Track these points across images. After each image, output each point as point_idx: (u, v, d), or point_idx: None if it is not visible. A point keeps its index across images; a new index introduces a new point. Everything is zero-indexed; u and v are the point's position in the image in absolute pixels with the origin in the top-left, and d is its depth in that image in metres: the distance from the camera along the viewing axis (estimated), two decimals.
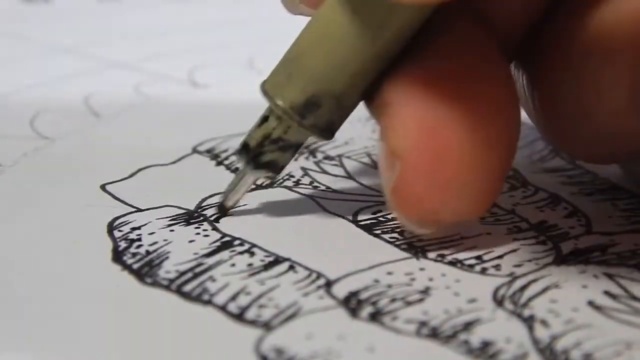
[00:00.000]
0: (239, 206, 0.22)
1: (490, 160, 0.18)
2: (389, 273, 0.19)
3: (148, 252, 0.20)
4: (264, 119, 0.20)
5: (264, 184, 0.24)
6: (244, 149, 0.21)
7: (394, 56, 0.19)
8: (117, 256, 0.20)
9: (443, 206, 0.19)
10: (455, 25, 0.19)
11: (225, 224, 0.22)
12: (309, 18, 0.20)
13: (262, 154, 0.21)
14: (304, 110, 0.20)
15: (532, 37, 0.20)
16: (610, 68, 0.18)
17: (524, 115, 0.27)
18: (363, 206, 0.23)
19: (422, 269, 0.20)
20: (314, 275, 0.19)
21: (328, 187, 0.24)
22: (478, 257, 0.20)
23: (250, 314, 0.18)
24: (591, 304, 0.18)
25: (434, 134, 0.18)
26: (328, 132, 0.20)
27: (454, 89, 0.18)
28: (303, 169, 0.25)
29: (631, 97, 0.18)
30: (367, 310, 0.18)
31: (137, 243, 0.21)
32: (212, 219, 0.22)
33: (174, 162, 0.26)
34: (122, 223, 0.22)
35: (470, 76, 0.18)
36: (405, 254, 0.20)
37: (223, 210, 0.22)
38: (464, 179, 0.18)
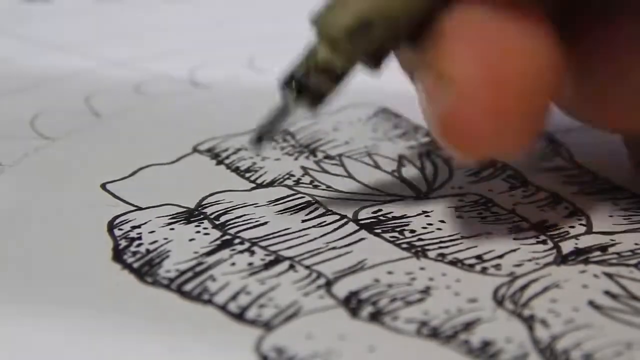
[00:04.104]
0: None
1: (541, 92, 0.19)
2: (389, 272, 0.19)
3: (148, 251, 0.20)
4: (312, 49, 0.20)
5: (263, 183, 0.24)
6: (289, 80, 0.20)
7: None
8: (117, 255, 0.20)
9: (496, 136, 0.19)
10: None
11: (226, 223, 0.22)
12: None
13: (307, 83, 0.20)
14: (355, 34, 0.19)
15: None
16: None
17: None
18: (363, 205, 0.23)
19: (422, 269, 0.20)
20: (314, 275, 0.19)
21: (328, 187, 0.24)
22: (478, 257, 0.20)
23: (251, 314, 0.18)
24: (591, 303, 0.18)
25: (493, 62, 0.18)
26: (377, 60, 0.20)
27: (509, 26, 0.19)
28: (303, 168, 0.25)
29: None
30: (367, 310, 0.18)
31: (138, 242, 0.21)
32: (250, 144, 0.21)
33: (174, 162, 0.26)
34: (122, 222, 0.22)
35: (524, 14, 0.19)
36: (405, 254, 0.20)
37: (260, 140, 0.21)
38: (518, 109, 0.19)
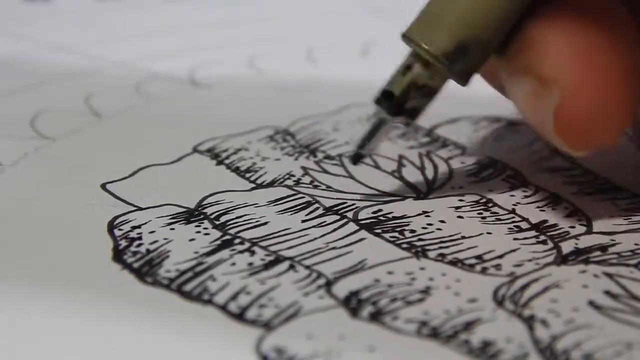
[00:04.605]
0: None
1: (633, 85, 0.20)
2: (390, 273, 0.19)
3: (148, 251, 0.20)
4: (408, 67, 0.21)
5: (263, 183, 0.24)
6: (385, 97, 0.21)
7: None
8: (118, 255, 0.20)
9: (605, 125, 0.20)
10: None
11: (226, 223, 0.22)
12: None
13: (406, 101, 0.21)
14: (454, 56, 0.20)
15: None
16: None
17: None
18: (363, 205, 0.23)
19: (422, 269, 0.20)
20: (314, 275, 0.19)
21: (328, 187, 0.24)
22: (478, 257, 0.20)
23: (251, 314, 0.18)
24: (592, 303, 0.18)
25: (588, 56, 0.19)
26: (468, 77, 0.21)
27: (597, 22, 0.20)
28: (303, 168, 0.25)
29: None
30: (367, 310, 0.18)
31: (138, 242, 0.21)
32: (348, 160, 0.23)
33: (174, 162, 0.26)
34: (122, 222, 0.22)
35: (607, 12, 0.20)
36: (405, 254, 0.20)
37: (358, 158, 0.22)
38: (619, 98, 0.20)
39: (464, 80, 0.21)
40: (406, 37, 0.21)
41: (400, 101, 0.21)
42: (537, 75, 0.20)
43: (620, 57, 0.20)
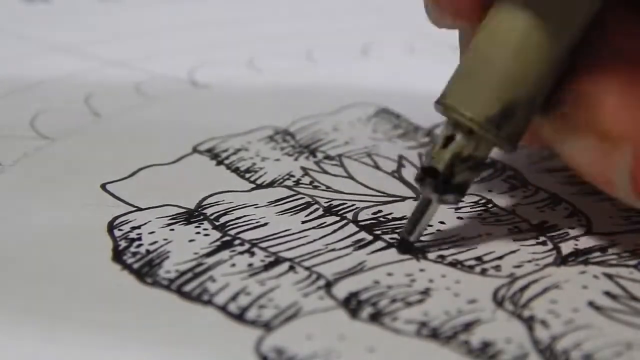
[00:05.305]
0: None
1: None
2: (389, 274, 0.19)
3: (148, 252, 0.20)
4: (449, 138, 0.19)
5: (263, 183, 0.24)
6: (428, 174, 0.19)
7: (571, 53, 0.19)
8: (117, 255, 0.20)
9: None
10: (610, 18, 0.19)
11: (226, 224, 0.22)
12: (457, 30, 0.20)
13: (452, 176, 0.19)
14: (501, 121, 0.18)
15: None
16: None
17: None
18: (363, 206, 0.23)
19: (422, 270, 0.20)
20: (314, 276, 0.19)
21: (328, 187, 0.24)
22: (478, 258, 0.20)
23: (251, 314, 0.18)
24: (591, 304, 0.18)
25: None
26: (517, 141, 0.19)
27: None
28: (303, 168, 0.25)
29: None
30: (367, 310, 0.18)
31: (137, 242, 0.21)
32: (396, 251, 0.20)
33: (174, 162, 0.26)
34: (122, 222, 0.22)
35: None
36: (405, 255, 0.20)
37: (407, 246, 0.20)
38: None
39: (512, 145, 0.19)
40: (442, 104, 0.19)
41: (446, 177, 0.19)
42: (599, 132, 0.18)
43: None
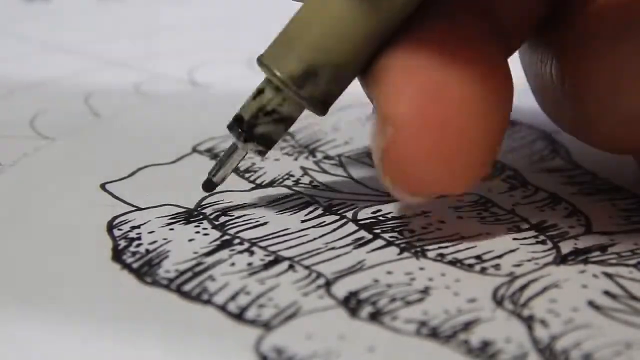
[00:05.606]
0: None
1: (479, 132, 0.19)
2: (389, 273, 0.19)
3: (148, 251, 0.20)
4: (260, 92, 0.20)
5: (262, 183, 0.24)
6: (237, 122, 0.21)
7: (392, 31, 0.19)
8: (117, 255, 0.20)
9: (430, 172, 0.19)
10: (455, 14, 0.19)
11: (225, 223, 0.22)
12: None
13: (255, 126, 0.20)
14: (302, 80, 0.20)
15: (557, 22, 0.20)
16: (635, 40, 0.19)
17: (524, 115, 0.27)
18: (363, 205, 0.23)
19: (421, 269, 0.20)
20: (313, 275, 0.19)
21: (328, 187, 0.24)
22: (478, 257, 0.20)
23: (250, 314, 0.18)
24: (591, 303, 0.18)
25: (429, 104, 0.18)
26: (323, 105, 0.20)
27: (445, 62, 0.19)
28: (303, 168, 0.25)
29: None
30: (366, 310, 0.18)
31: (137, 242, 0.21)
32: (203, 188, 0.22)
33: (173, 162, 0.26)
34: (121, 222, 0.22)
35: (462, 54, 0.19)
36: (405, 254, 0.20)
37: (211, 187, 0.22)
38: (452, 146, 0.19)
39: (318, 108, 0.20)
40: (258, 60, 0.20)
41: (250, 126, 0.20)
42: (379, 110, 0.19)
43: (469, 108, 0.18)
